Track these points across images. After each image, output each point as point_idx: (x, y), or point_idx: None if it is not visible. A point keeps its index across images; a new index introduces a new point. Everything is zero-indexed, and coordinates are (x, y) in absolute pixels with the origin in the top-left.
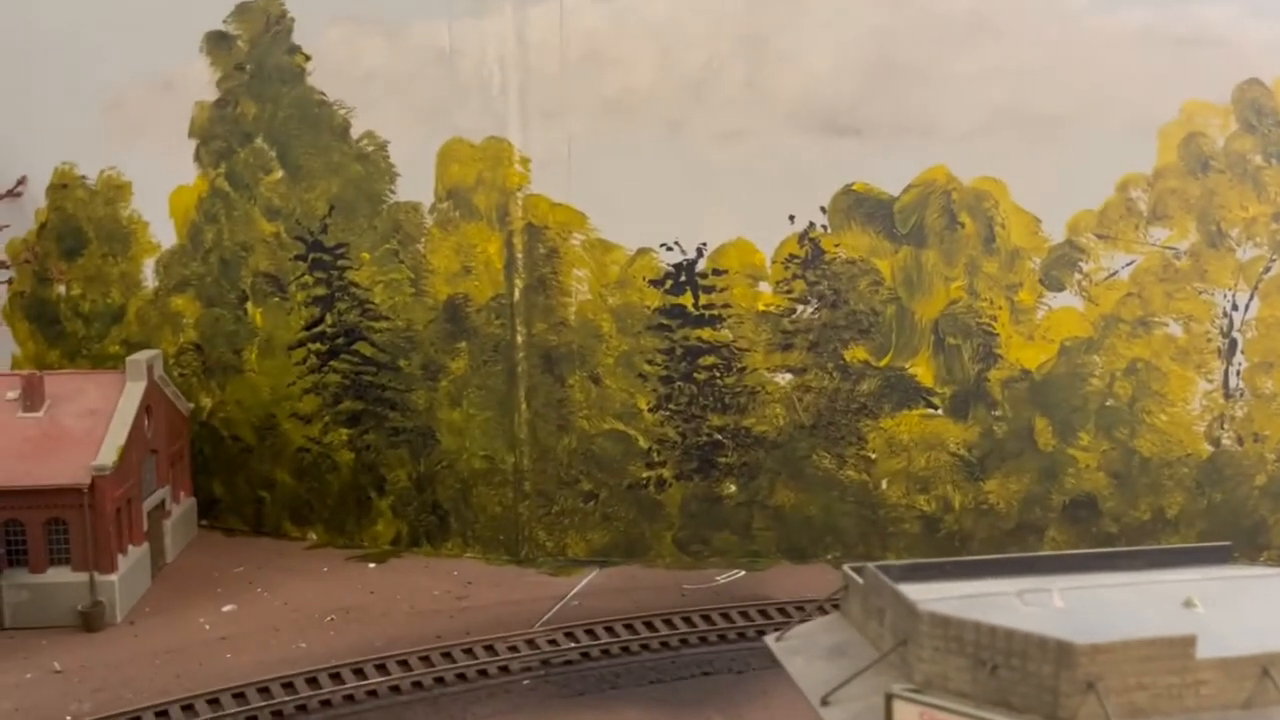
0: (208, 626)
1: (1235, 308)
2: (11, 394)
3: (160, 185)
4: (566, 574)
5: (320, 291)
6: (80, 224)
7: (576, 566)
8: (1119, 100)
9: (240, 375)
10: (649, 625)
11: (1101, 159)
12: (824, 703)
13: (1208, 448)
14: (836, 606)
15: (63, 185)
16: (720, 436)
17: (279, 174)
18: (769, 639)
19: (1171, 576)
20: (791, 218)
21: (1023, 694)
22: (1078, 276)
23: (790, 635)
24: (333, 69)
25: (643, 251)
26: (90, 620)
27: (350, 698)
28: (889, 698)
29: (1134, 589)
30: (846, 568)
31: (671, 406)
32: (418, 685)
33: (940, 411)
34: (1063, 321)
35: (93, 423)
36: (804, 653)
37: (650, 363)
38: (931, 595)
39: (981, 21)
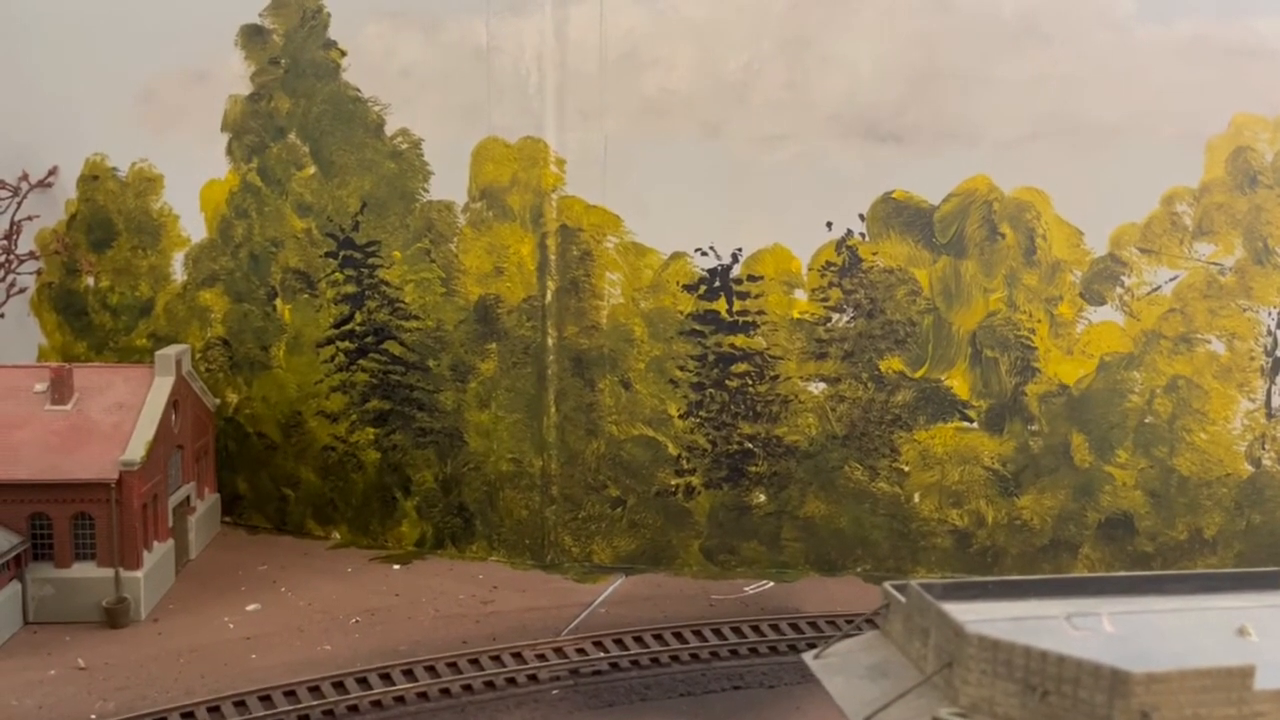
0: (232, 625)
1: None
2: (40, 386)
3: (191, 179)
4: (592, 580)
5: (350, 289)
6: (110, 216)
7: (602, 573)
8: (1166, 112)
9: (267, 372)
10: (679, 636)
11: (1147, 171)
12: None
13: (1248, 468)
14: (873, 623)
15: (93, 177)
16: (751, 445)
17: (311, 170)
18: (807, 656)
19: (1222, 602)
20: (829, 224)
21: None
22: (1119, 291)
23: (829, 653)
24: (368, 65)
25: (677, 256)
26: (114, 617)
27: (377, 703)
28: None
29: (1184, 614)
30: (888, 585)
31: (702, 414)
32: (445, 692)
33: (975, 425)
34: (1103, 336)
35: (120, 417)
36: (844, 672)
37: (682, 369)
38: (976, 616)
39: (1029, 28)
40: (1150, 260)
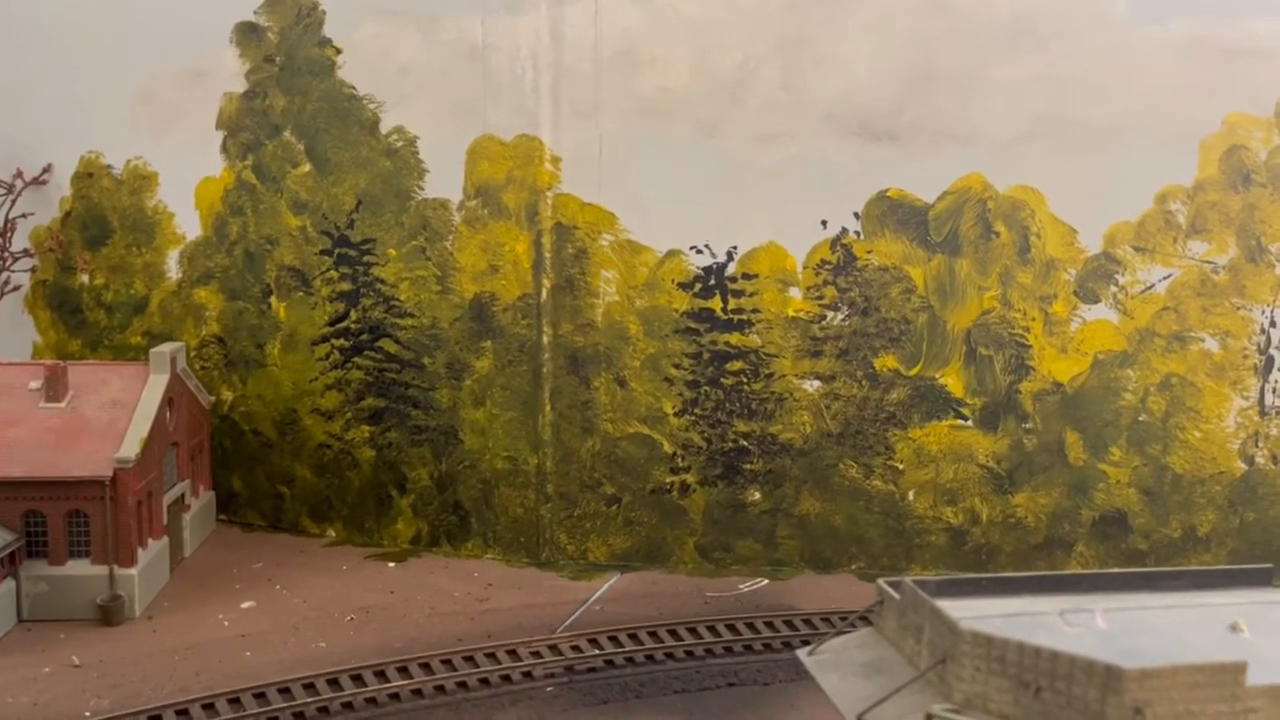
0: (226, 623)
1: (1273, 324)
2: (34, 384)
3: (186, 176)
4: (587, 578)
5: (345, 287)
6: (105, 213)
7: (597, 571)
8: (1160, 111)
9: (262, 369)
10: (673, 633)
11: (1141, 170)
12: None
13: (1241, 466)
14: (866, 620)
15: (88, 174)
16: (746, 443)
17: (306, 168)
18: (801, 653)
19: (1214, 599)
20: (824, 223)
21: (1067, 718)
22: (1113, 289)
23: (823, 649)
24: (364, 63)
25: (672, 254)
26: (109, 614)
27: (372, 700)
28: (928, 718)
29: (1177, 611)
30: (882, 582)
31: (697, 411)
32: (440, 689)
33: (970, 423)
34: (1097, 334)
35: (115, 414)
36: (838, 668)
37: (677, 366)
38: (970, 613)
39: (1024, 28)
40: (1144, 259)
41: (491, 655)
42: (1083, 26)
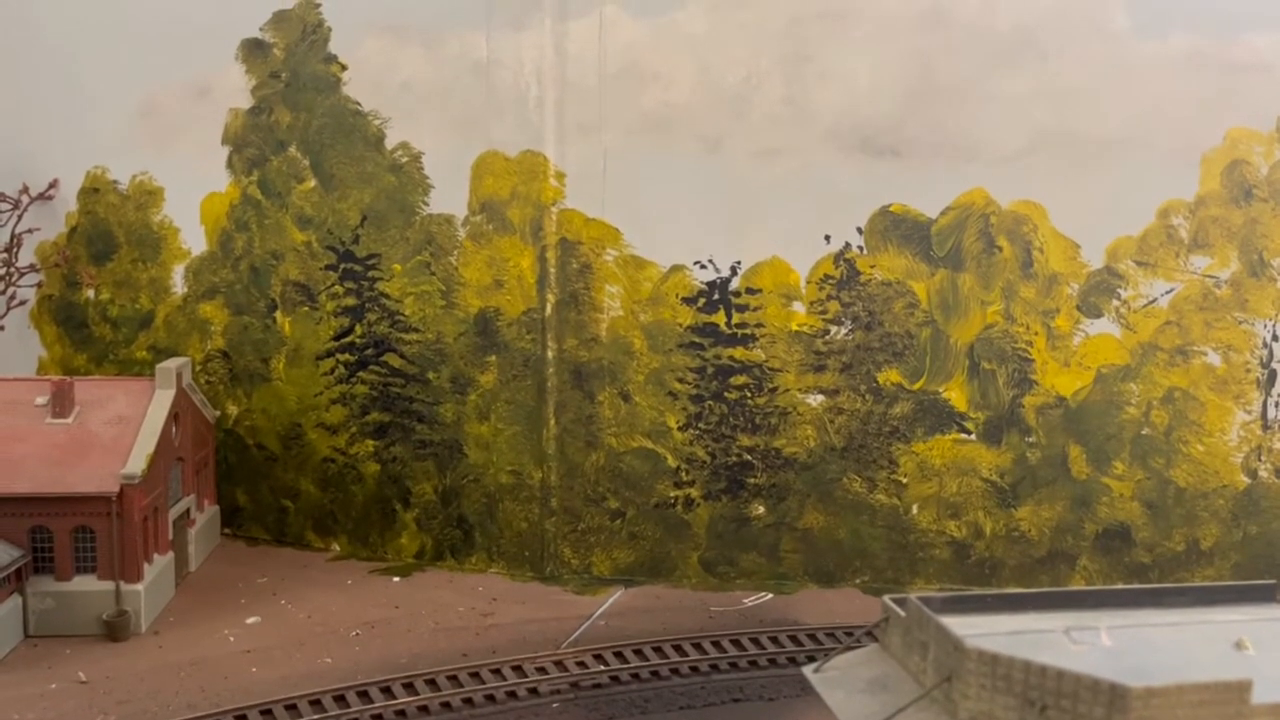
0: (232, 638)
1: (1275, 338)
2: (41, 399)
3: (192, 192)
4: (592, 592)
5: (350, 302)
6: (111, 228)
7: (602, 585)
8: (1162, 125)
9: (267, 384)
10: (678, 649)
11: (1143, 185)
12: None
13: (1244, 480)
14: (872, 636)
15: (94, 189)
16: (750, 457)
17: (312, 183)
18: (806, 670)
19: (1219, 616)
20: (827, 238)
21: None
22: (1116, 303)
23: (828, 666)
24: (369, 79)
25: (676, 269)
26: (115, 630)
27: (378, 716)
28: None
29: (1181, 628)
30: (887, 599)
31: (701, 425)
32: (445, 705)
33: (973, 437)
34: (1100, 348)
35: (121, 430)
36: (843, 685)
37: (681, 381)
38: (975, 630)
39: (1025, 42)
40: (1146, 273)
41: (497, 671)
42: (1083, 40)
